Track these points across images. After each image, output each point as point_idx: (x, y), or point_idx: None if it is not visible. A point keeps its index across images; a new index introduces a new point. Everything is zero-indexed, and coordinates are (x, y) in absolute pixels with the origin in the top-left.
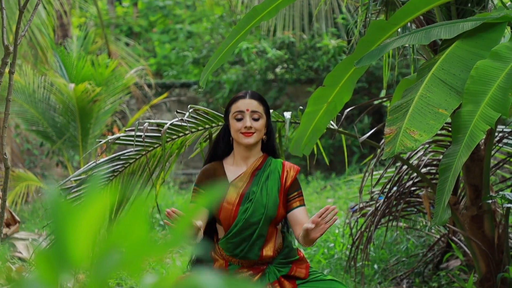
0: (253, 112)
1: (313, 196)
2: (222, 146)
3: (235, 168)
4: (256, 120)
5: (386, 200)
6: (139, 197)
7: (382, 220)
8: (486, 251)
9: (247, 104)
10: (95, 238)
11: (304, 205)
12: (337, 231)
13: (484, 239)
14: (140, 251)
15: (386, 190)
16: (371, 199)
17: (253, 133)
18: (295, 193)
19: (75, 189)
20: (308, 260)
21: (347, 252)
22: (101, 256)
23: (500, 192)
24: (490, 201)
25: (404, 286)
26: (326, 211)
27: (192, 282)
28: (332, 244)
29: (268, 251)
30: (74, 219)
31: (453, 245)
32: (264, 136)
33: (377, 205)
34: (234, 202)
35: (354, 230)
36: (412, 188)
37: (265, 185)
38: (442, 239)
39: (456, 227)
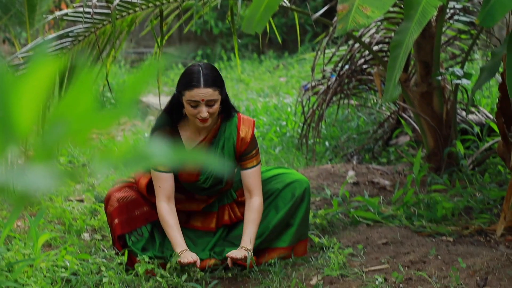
0: (209, 100)
1: (266, 75)
2: (174, 115)
3: (192, 136)
4: (211, 106)
5: (338, 78)
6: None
7: (334, 98)
8: (434, 127)
9: (202, 94)
10: (41, 109)
11: (259, 163)
12: (289, 109)
13: (433, 115)
14: (87, 120)
15: (338, 68)
16: (323, 77)
17: (209, 118)
18: (251, 153)
19: (22, 66)
20: (261, 139)
21: (299, 130)
22: (48, 126)
23: (450, 69)
24: (439, 77)
25: (354, 162)
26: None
27: (142, 151)
28: (284, 123)
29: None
30: (19, 91)
31: (402, 121)
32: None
33: (329, 83)
34: (194, 173)
35: (306, 108)
36: (364, 66)
37: (221, 154)
38: (392, 116)
39: (406, 104)
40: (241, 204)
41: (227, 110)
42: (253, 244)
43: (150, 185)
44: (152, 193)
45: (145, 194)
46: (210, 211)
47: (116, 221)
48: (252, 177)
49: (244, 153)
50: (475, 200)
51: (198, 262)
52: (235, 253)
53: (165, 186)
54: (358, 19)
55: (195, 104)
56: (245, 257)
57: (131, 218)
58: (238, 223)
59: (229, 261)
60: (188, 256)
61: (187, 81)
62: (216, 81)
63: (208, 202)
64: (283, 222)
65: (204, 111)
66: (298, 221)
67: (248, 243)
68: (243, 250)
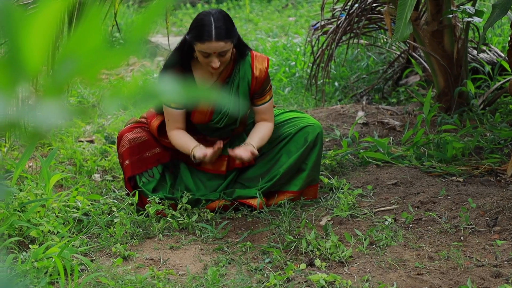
0: (221, 52)
1: (275, 14)
2: (185, 55)
3: (205, 76)
4: (223, 55)
5: (347, 17)
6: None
7: (343, 38)
8: (445, 66)
9: (214, 47)
10: (50, 46)
11: (271, 97)
12: (298, 49)
13: (443, 54)
14: (96, 57)
15: (347, 7)
16: (333, 16)
17: (221, 66)
18: (265, 90)
19: (31, 6)
20: (270, 80)
21: (308, 70)
22: (57, 63)
23: (461, 6)
24: (450, 15)
25: (364, 102)
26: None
27: (151, 88)
28: (293, 63)
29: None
30: (28, 28)
31: (412, 61)
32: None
33: (339, 22)
34: (207, 112)
35: (315, 48)
36: (374, 5)
37: (236, 94)
38: (402, 55)
39: (416, 43)
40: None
41: (240, 50)
42: (258, 145)
43: (161, 127)
44: (163, 135)
45: (156, 136)
46: (221, 155)
47: (127, 162)
48: (265, 112)
49: (258, 92)
50: (486, 140)
51: (208, 154)
52: (240, 152)
53: (176, 120)
54: None
55: (207, 55)
56: (252, 154)
57: (142, 159)
58: (249, 166)
59: (231, 153)
60: (200, 152)
61: (198, 33)
62: (228, 33)
63: (220, 143)
64: (295, 167)
65: (216, 62)
66: (310, 166)
67: (254, 141)
68: (249, 146)
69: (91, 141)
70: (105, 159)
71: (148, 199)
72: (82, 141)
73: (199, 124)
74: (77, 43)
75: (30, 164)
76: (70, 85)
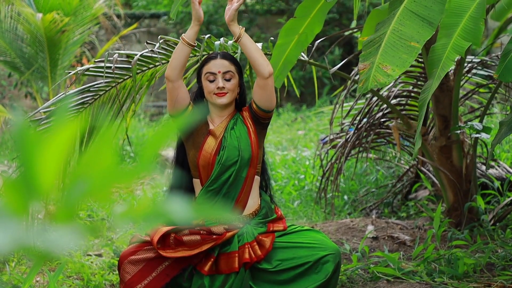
0: (225, 72)
1: (284, 128)
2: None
3: (212, 123)
4: (228, 80)
5: (356, 131)
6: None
7: (352, 152)
8: (454, 181)
9: (219, 65)
10: (63, 167)
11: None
12: (307, 162)
13: (452, 169)
14: (108, 179)
15: (356, 121)
16: (342, 130)
17: (226, 93)
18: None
19: (44, 121)
20: (279, 192)
21: (318, 184)
22: (69, 185)
23: (469, 123)
24: (458, 131)
25: (373, 216)
26: None
27: (160, 208)
28: (302, 176)
29: (246, 209)
30: (42, 149)
31: (421, 175)
32: (237, 96)
33: (347, 136)
34: (212, 151)
35: (324, 162)
36: (382, 119)
37: (233, 130)
38: (411, 169)
39: (425, 158)
40: (261, 246)
41: (241, 102)
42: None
43: (161, 239)
44: (164, 246)
45: (156, 248)
46: (231, 251)
47: None
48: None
49: (261, 116)
50: (497, 256)
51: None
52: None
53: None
54: (379, 77)
55: (213, 78)
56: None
57: (150, 285)
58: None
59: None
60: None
61: (205, 59)
62: (233, 58)
63: (224, 235)
64: None
65: (220, 81)
66: None
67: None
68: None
69: (99, 255)
70: (113, 273)
71: None
72: (90, 255)
73: (201, 191)
74: (90, 162)
75: (38, 279)
76: (81, 204)
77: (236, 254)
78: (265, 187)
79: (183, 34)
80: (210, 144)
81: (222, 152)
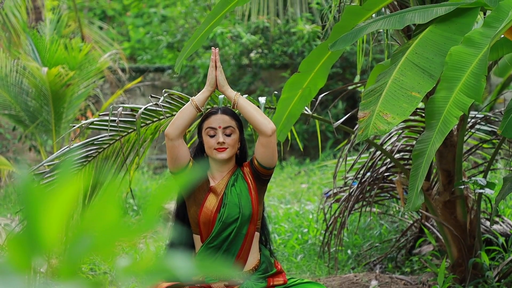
0: (226, 128)
1: (287, 181)
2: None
3: (212, 179)
4: (228, 135)
5: (359, 185)
6: (112, 181)
7: (356, 206)
8: (458, 236)
9: (219, 120)
10: (67, 222)
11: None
12: (310, 216)
13: (456, 225)
14: (112, 235)
15: (359, 175)
16: (345, 184)
17: (226, 148)
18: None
19: (48, 174)
20: (282, 246)
21: (321, 238)
22: (73, 240)
23: (473, 178)
24: (462, 186)
25: (377, 271)
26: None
27: (163, 263)
28: (306, 230)
29: (247, 265)
30: (46, 203)
31: (425, 230)
32: (237, 151)
33: (351, 190)
34: (213, 209)
35: (327, 216)
36: (386, 174)
37: (233, 187)
38: (415, 224)
39: (428, 213)
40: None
41: (242, 157)
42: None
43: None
44: None
45: None
46: None
47: None
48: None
49: (260, 166)
50: None
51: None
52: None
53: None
54: (379, 125)
55: (213, 133)
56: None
57: None
58: None
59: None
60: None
61: (206, 114)
62: (234, 113)
63: None
64: None
65: (220, 137)
66: None
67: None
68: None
69: None
70: None
71: None
72: None
73: (201, 247)
74: (93, 218)
75: None
76: (84, 260)
77: None
78: (264, 241)
79: (193, 97)
80: (211, 201)
81: (223, 210)
